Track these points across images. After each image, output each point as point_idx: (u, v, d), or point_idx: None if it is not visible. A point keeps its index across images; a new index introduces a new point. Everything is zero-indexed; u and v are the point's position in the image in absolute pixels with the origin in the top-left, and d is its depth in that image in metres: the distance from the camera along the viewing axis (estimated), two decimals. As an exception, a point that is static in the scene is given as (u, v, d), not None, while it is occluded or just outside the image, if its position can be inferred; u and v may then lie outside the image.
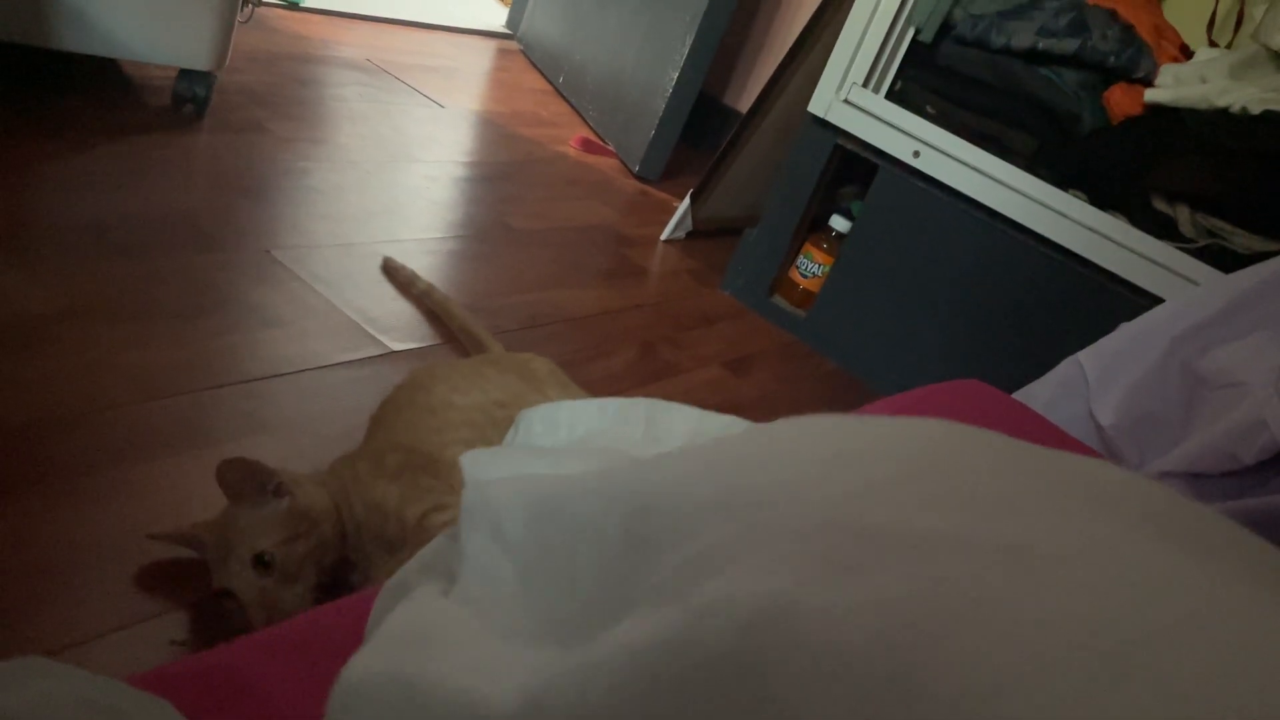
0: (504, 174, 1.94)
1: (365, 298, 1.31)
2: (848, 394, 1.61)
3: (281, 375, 1.11)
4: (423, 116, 2.04)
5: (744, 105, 2.48)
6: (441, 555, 0.58)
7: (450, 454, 0.91)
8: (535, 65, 2.66)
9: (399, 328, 1.28)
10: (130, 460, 0.91)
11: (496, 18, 2.90)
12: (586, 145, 2.23)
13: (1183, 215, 1.44)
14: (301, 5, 2.33)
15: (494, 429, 0.99)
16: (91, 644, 0.72)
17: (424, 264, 1.48)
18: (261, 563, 0.77)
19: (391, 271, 1.39)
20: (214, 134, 1.59)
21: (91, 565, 0.79)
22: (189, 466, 0.94)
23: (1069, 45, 1.52)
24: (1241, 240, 1.39)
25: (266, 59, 1.96)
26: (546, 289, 1.56)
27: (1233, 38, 1.68)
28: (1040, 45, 1.52)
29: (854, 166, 1.66)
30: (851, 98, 1.58)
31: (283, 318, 1.21)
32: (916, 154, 1.52)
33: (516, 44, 2.78)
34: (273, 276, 1.28)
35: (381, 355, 1.21)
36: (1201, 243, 1.40)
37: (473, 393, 1.03)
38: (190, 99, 1.57)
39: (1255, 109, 1.38)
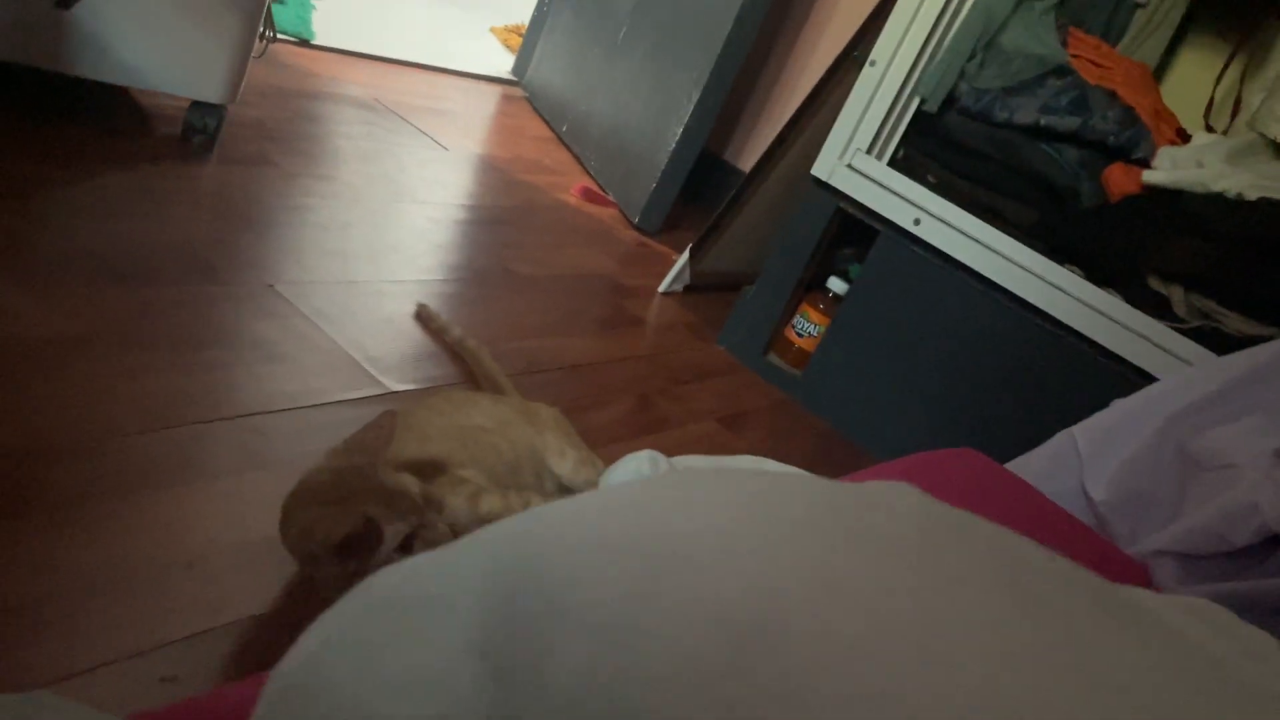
0: (505, 219, 1.95)
1: (367, 336, 1.31)
2: (839, 455, 1.61)
3: (280, 411, 1.11)
4: (427, 158, 2.06)
5: (745, 164, 2.51)
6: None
7: (386, 473, 0.90)
8: (539, 113, 2.69)
9: (400, 368, 1.28)
10: (126, 491, 0.90)
11: (503, 64, 2.93)
12: (588, 194, 2.25)
13: (1177, 296, 1.46)
14: (313, 42, 2.35)
15: (471, 445, 0.99)
16: (83, 677, 0.71)
17: (429, 304, 1.48)
18: None
19: (426, 319, 1.41)
20: (222, 166, 1.60)
21: (84, 597, 0.78)
22: (185, 499, 0.93)
23: (1070, 123, 1.55)
24: (1234, 323, 1.42)
25: (277, 94, 1.98)
26: (545, 335, 1.57)
27: (1229, 124, 1.73)
28: (1042, 122, 1.55)
29: (853, 230, 1.68)
30: (854, 163, 1.60)
31: (284, 353, 1.20)
32: (917, 221, 1.54)
33: (521, 90, 2.81)
34: (275, 311, 1.28)
35: (381, 395, 1.21)
36: (1195, 324, 1.43)
37: (455, 415, 1.04)
38: (201, 130, 1.58)
39: (1251, 195, 1.41)
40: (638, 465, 0.71)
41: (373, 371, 1.24)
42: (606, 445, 1.34)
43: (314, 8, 2.53)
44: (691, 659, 0.29)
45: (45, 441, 0.92)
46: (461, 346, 1.36)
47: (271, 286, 1.32)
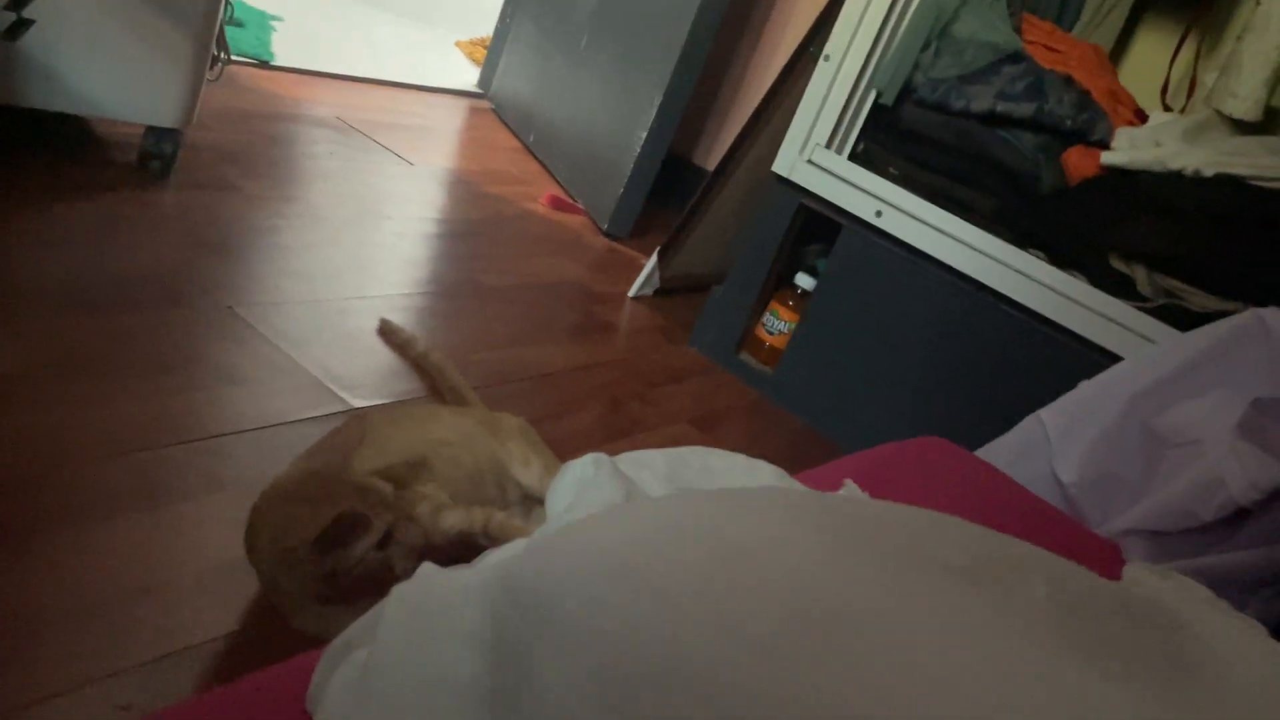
0: (473, 231, 1.95)
1: (330, 354, 1.31)
2: (814, 451, 1.61)
3: (242, 432, 1.10)
4: (393, 174, 2.06)
5: (711, 164, 2.51)
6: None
7: (356, 474, 0.90)
8: (506, 124, 2.69)
9: (364, 384, 1.27)
10: (87, 520, 0.90)
11: (468, 77, 2.93)
12: (556, 203, 2.25)
13: (1140, 275, 1.47)
14: (273, 63, 2.35)
15: (432, 459, 0.99)
16: (36, 708, 0.70)
17: (394, 319, 1.47)
18: None
19: (388, 333, 1.39)
20: (182, 191, 1.59)
21: (39, 627, 0.77)
22: (146, 525, 0.92)
23: (1026, 109, 1.56)
24: (1197, 300, 1.42)
25: (237, 117, 1.97)
26: (515, 345, 1.57)
27: (1185, 102, 1.74)
28: (999, 109, 1.56)
29: (819, 225, 1.68)
30: (815, 158, 1.60)
31: (245, 375, 1.20)
32: (879, 213, 1.55)
33: (488, 103, 2.81)
34: (236, 334, 1.27)
35: (343, 412, 1.21)
36: (1159, 302, 1.43)
37: (416, 429, 1.03)
38: (157, 156, 1.57)
39: (1208, 172, 1.41)
40: (581, 470, 0.71)
41: (335, 389, 1.24)
42: (578, 452, 1.33)
43: (274, 29, 2.53)
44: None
45: (4, 474, 0.91)
46: (425, 360, 1.35)
47: (232, 309, 1.32)
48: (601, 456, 0.70)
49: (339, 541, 0.80)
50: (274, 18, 2.61)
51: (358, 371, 1.30)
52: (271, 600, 0.87)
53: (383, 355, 1.37)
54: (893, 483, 1.07)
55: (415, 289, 1.61)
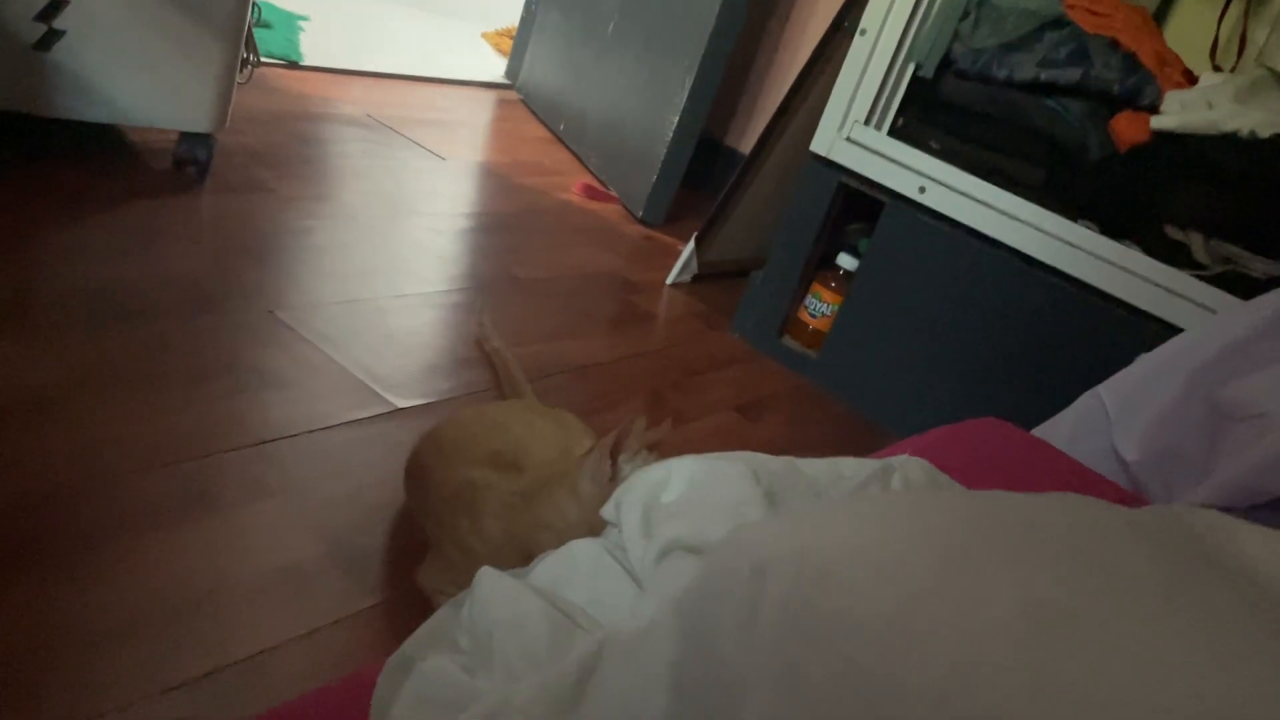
0: (507, 224, 1.93)
1: (371, 355, 1.30)
2: (862, 437, 1.58)
3: (287, 438, 1.09)
4: (424, 170, 2.04)
5: (746, 147, 2.48)
6: (445, 626, 0.56)
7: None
8: (535, 114, 2.67)
9: (405, 384, 1.26)
10: (133, 532, 0.89)
11: (495, 69, 2.91)
12: (589, 192, 2.23)
13: (1196, 242, 1.42)
14: (302, 63, 2.34)
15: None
16: (91, 730, 0.70)
17: (430, 318, 1.47)
18: None
19: (481, 337, 1.42)
20: (217, 196, 1.59)
21: (92, 643, 0.77)
22: (193, 535, 0.91)
23: (1072, 75, 1.51)
24: (1258, 266, 1.37)
25: (268, 119, 1.97)
26: (553, 339, 1.55)
27: (1235, 62, 1.67)
28: (1043, 76, 1.51)
29: (860, 203, 1.65)
30: (854, 135, 1.57)
31: (288, 379, 1.19)
32: (922, 189, 1.51)
33: (516, 94, 2.79)
34: (277, 337, 1.26)
35: (387, 413, 1.20)
36: (1217, 269, 1.38)
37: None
38: (192, 162, 1.57)
39: (1264, 133, 1.36)
40: (694, 466, 0.68)
41: (378, 390, 1.23)
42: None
43: (301, 29, 2.53)
44: None
45: (48, 489, 0.91)
46: (498, 355, 1.36)
47: (272, 313, 1.31)
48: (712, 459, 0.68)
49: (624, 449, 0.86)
50: (301, 17, 2.61)
51: (399, 371, 1.29)
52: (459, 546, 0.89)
53: (423, 354, 1.36)
54: (951, 466, 1.04)
55: (451, 285, 1.60)
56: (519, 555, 0.89)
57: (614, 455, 0.90)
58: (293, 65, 2.33)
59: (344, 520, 1.00)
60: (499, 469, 0.95)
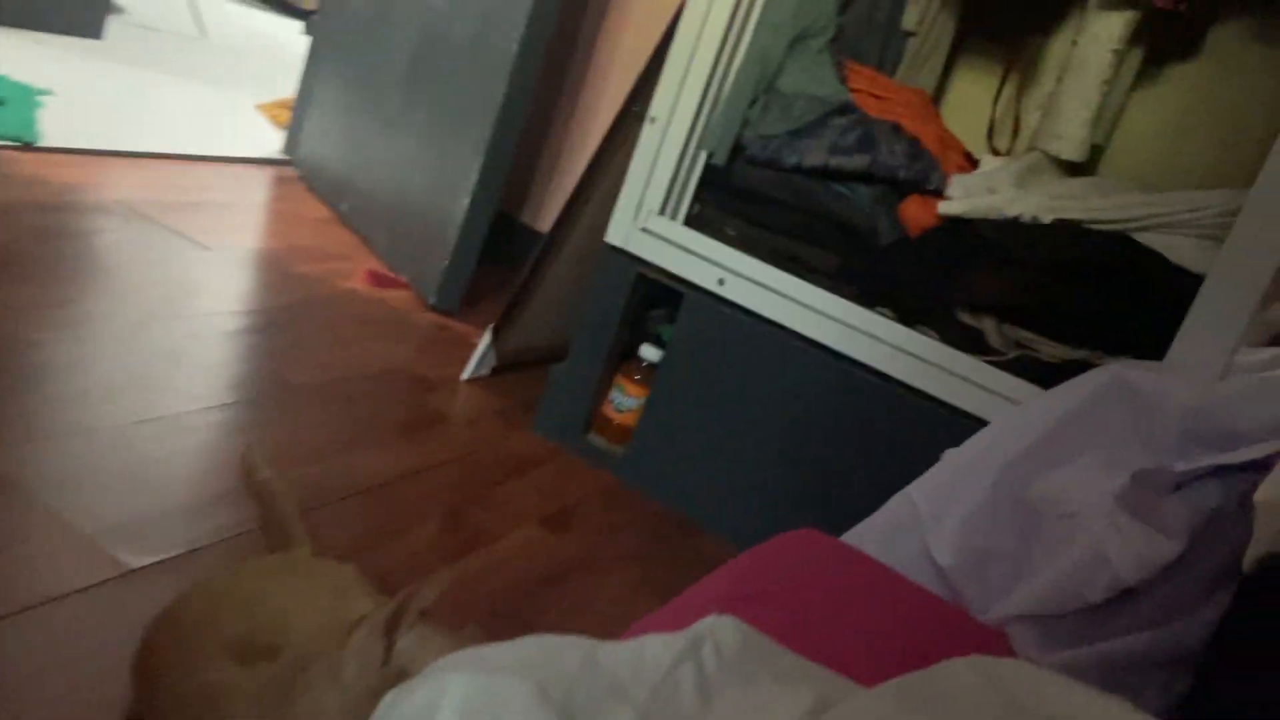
0: (281, 321, 1.76)
1: (103, 500, 1.10)
2: (676, 536, 1.49)
3: (-18, 625, 0.89)
4: (186, 263, 1.84)
5: (544, 224, 2.40)
6: None
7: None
8: (316, 193, 2.49)
9: (144, 535, 1.08)
10: None
11: (271, 144, 2.72)
12: (376, 279, 2.08)
13: (989, 327, 1.42)
14: (38, 144, 2.09)
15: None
16: None
17: (186, 444, 1.28)
18: None
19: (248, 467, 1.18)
20: (-86, 310, 1.35)
21: None
22: None
23: (860, 161, 1.50)
24: (1047, 349, 1.39)
25: (-8, 211, 1.72)
26: (334, 455, 1.39)
27: (1011, 143, 1.73)
28: (832, 163, 1.50)
29: (661, 288, 1.58)
30: (649, 225, 1.50)
31: (-11, 544, 0.99)
32: (721, 281, 1.45)
33: (295, 170, 2.61)
34: (-20, 489, 1.05)
35: (118, 577, 1.01)
36: (1011, 355, 1.39)
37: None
38: (-119, 271, 1.33)
39: (1046, 218, 1.39)
40: (464, 691, 0.55)
41: (106, 546, 1.04)
42: (415, 577, 1.17)
43: (41, 105, 2.26)
44: None
45: None
46: (265, 488, 1.16)
47: (-24, 457, 1.10)
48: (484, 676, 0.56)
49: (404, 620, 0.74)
50: (42, 91, 2.34)
51: (137, 519, 1.10)
52: None
53: (171, 492, 1.17)
54: (766, 592, 0.97)
55: (211, 401, 1.41)
56: None
57: (389, 631, 0.76)
58: (28, 147, 2.07)
59: (52, 734, 0.81)
60: (247, 660, 0.79)
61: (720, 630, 0.73)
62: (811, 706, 0.67)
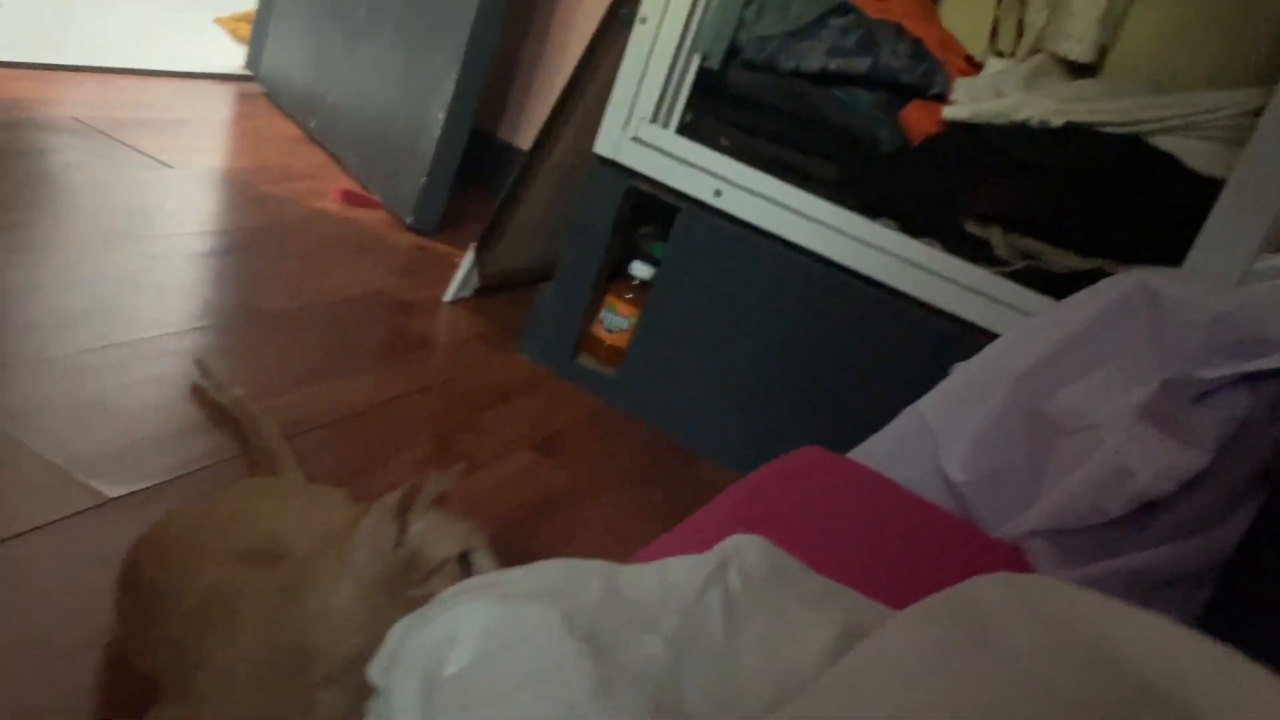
0: (251, 243, 1.67)
1: (69, 430, 1.04)
2: (670, 461, 1.45)
3: (-55, 563, 0.83)
4: (146, 182, 1.74)
5: (524, 141, 2.30)
6: None
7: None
8: (282, 109, 2.38)
9: (117, 464, 1.01)
10: None
11: (233, 59, 2.58)
12: (349, 198, 1.99)
13: (996, 237, 1.37)
14: (-16, 58, 1.96)
15: None
16: None
17: (153, 371, 1.21)
18: None
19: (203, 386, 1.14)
20: None
21: None
22: None
23: (860, 64, 1.43)
24: (1057, 260, 1.34)
25: (-65, 127, 1.61)
26: (311, 383, 1.32)
27: (1015, 44, 1.65)
28: (831, 66, 1.42)
29: (651, 204, 1.51)
30: (641, 135, 1.42)
31: (-52, 477, 0.92)
32: (718, 193, 1.38)
33: (259, 87, 2.48)
34: (-66, 420, 0.98)
35: (95, 507, 0.95)
36: (1018, 265, 1.34)
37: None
38: None
39: (1055, 121, 1.32)
40: (487, 615, 0.51)
41: (79, 476, 0.97)
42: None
43: (-17, 16, 2.13)
44: None
45: None
46: (240, 409, 1.11)
47: (-72, 387, 1.02)
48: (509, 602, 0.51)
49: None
50: (-16, 2, 2.20)
51: (108, 449, 1.03)
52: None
53: (141, 421, 1.11)
54: (775, 514, 0.93)
55: (180, 326, 1.33)
56: (292, 673, 0.68)
57: (401, 514, 0.70)
58: (-28, 60, 1.94)
59: (24, 674, 0.75)
60: (252, 565, 0.74)
61: (746, 551, 0.68)
62: (841, 631, 0.63)
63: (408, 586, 0.69)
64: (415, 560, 0.69)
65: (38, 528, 0.90)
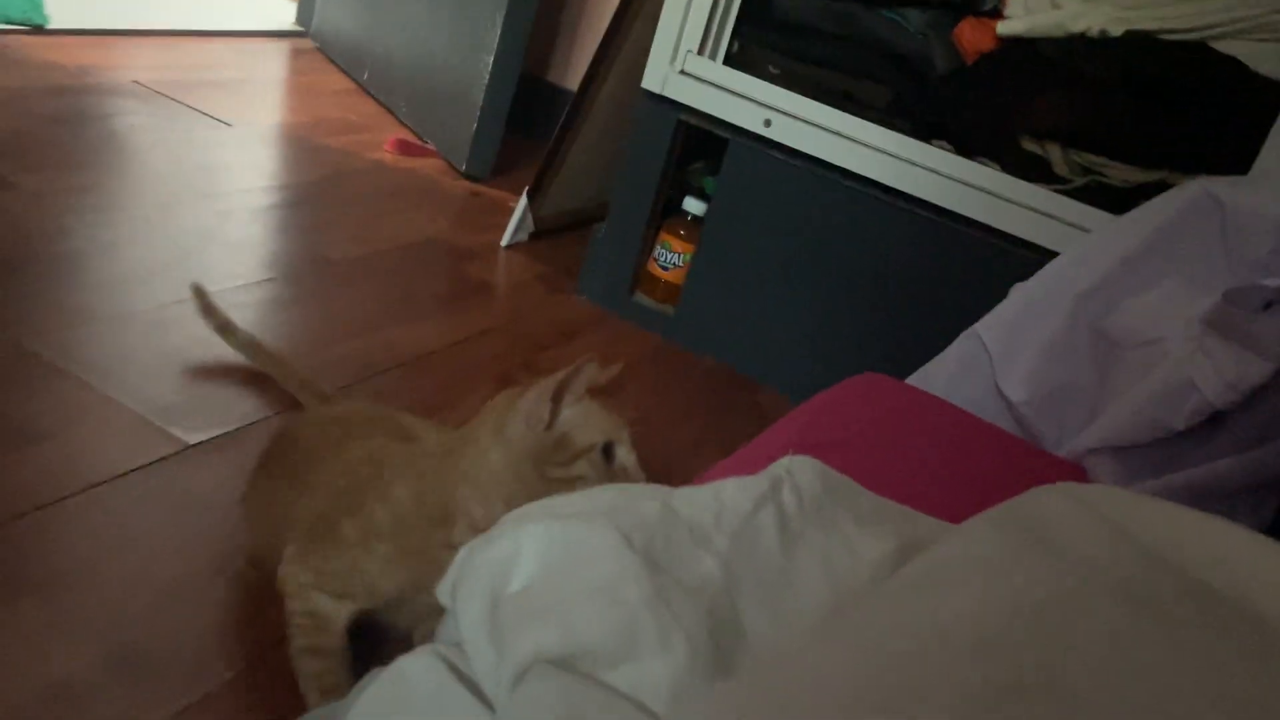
0: (313, 196, 1.71)
1: (151, 381, 1.08)
2: (732, 391, 1.46)
3: (47, 506, 0.88)
4: (209, 141, 1.78)
5: (572, 82, 2.30)
6: None
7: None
8: (335, 63, 2.40)
9: (197, 412, 1.06)
10: None
11: (284, 15, 2.61)
12: (404, 147, 2.01)
13: (1055, 154, 1.34)
14: (47, 27, 2.01)
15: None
16: None
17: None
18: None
19: (207, 312, 1.14)
20: (-60, 201, 1.31)
21: None
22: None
23: (911, -18, 1.39)
24: (1119, 174, 1.31)
25: (7, 97, 1.67)
26: (378, 328, 1.36)
27: (1071, -44, 1.59)
28: (881, -14, 1.39)
29: (701, 140, 1.50)
30: (688, 68, 1.42)
31: (44, 427, 0.97)
32: (768, 123, 1.37)
33: (311, 42, 2.51)
34: (28, 375, 1.04)
35: (177, 453, 0.99)
36: (1079, 182, 1.31)
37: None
38: (-99, 162, 1.29)
39: (1115, 30, 1.28)
40: (548, 533, 0.54)
41: (160, 424, 1.02)
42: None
43: (44, -14, 2.17)
44: None
45: None
46: (255, 353, 1.14)
47: (20, 344, 1.08)
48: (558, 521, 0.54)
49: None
50: (43, -28, 2.24)
51: (188, 398, 1.08)
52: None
53: (218, 371, 1.15)
54: (834, 441, 0.94)
55: (250, 278, 1.38)
56: (431, 530, 0.74)
57: (557, 398, 0.74)
58: (38, 30, 2.00)
59: (126, 611, 0.81)
60: (399, 440, 0.81)
61: (799, 471, 0.69)
62: (898, 545, 0.64)
63: (553, 466, 0.73)
64: (563, 442, 0.73)
65: (122, 475, 0.95)
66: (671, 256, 1.57)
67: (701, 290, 1.52)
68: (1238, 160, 1.12)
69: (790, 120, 1.36)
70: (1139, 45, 1.28)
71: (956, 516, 0.84)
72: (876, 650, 0.40)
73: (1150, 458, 0.99)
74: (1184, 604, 0.41)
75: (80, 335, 1.13)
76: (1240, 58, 1.24)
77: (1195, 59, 1.25)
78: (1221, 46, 1.25)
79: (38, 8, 2.05)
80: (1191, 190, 1.04)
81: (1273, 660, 0.37)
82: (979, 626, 0.39)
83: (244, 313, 1.28)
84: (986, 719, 0.33)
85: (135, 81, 1.92)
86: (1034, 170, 1.32)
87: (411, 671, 0.50)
